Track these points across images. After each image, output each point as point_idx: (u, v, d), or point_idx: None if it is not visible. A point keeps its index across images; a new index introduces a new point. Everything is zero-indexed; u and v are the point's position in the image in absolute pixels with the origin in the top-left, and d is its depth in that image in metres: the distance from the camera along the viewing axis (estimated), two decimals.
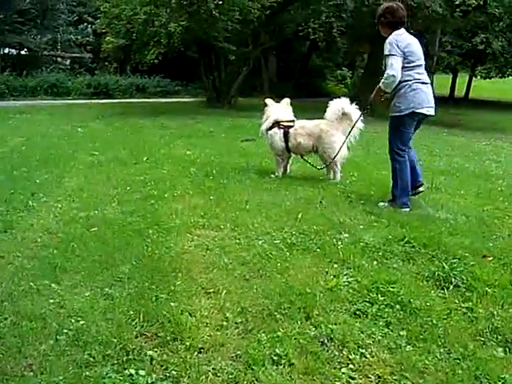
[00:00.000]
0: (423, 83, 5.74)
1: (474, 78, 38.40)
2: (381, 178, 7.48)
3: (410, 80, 5.64)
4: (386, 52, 5.57)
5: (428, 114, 5.81)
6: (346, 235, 4.77)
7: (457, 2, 20.77)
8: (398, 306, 3.41)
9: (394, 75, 5.51)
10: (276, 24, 21.92)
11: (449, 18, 22.20)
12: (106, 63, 35.99)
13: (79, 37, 33.93)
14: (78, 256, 4.12)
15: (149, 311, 3.21)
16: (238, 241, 4.58)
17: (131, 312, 3.20)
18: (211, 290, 3.57)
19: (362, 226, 5.10)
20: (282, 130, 7.31)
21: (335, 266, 4.08)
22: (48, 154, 8.85)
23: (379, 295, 3.55)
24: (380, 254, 4.37)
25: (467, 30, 22.51)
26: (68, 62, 34.87)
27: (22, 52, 31.54)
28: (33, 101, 23.49)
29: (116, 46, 26.49)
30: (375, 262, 4.17)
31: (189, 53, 23.55)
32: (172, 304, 3.32)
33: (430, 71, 32.27)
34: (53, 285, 3.58)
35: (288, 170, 7.62)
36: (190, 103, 23.44)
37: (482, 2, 20.91)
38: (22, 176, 7.06)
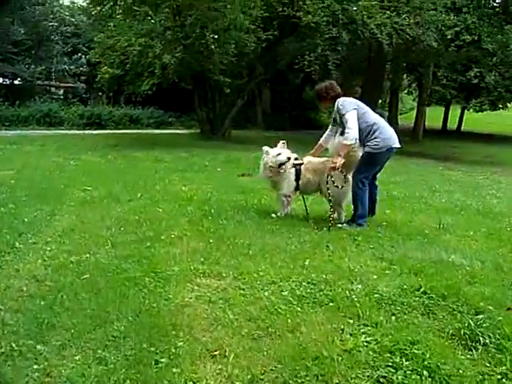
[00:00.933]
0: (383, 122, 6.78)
1: (465, 111, 38.59)
2: (387, 219, 7.19)
3: (375, 121, 6.63)
4: (342, 112, 6.47)
5: (399, 146, 6.72)
6: (359, 285, 4.42)
7: (449, 36, 20.86)
8: (425, 373, 3.05)
9: (354, 130, 6.34)
10: (271, 56, 21.83)
11: (442, 52, 22.28)
12: (100, 93, 35.90)
13: (73, 67, 33.92)
14: (68, 310, 3.74)
15: (148, 379, 2.84)
16: (242, 291, 4.22)
17: (128, 381, 2.82)
18: (217, 353, 3.19)
19: (373, 274, 4.75)
20: (293, 169, 7.02)
21: (350, 321, 3.73)
22: (38, 188, 8.49)
23: (403, 359, 3.19)
24: (397, 307, 4.02)
25: (461, 64, 22.57)
26: (61, 91, 34.79)
27: (16, 82, 31.34)
28: (25, 131, 23.17)
29: (110, 76, 26.34)
30: (393, 318, 3.82)
31: (182, 84, 23.41)
32: (174, 370, 2.95)
33: (424, 104, 32.45)
34: (38, 346, 3.20)
35: (289, 210, 7.29)
36: (184, 135, 23.22)
37: (476, 38, 21.00)
38: (10, 213, 6.68)
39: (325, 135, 7.17)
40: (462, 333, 3.60)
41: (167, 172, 11.20)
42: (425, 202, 9.51)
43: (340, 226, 6.63)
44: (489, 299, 4.23)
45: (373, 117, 6.67)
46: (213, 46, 15.79)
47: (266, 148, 7.19)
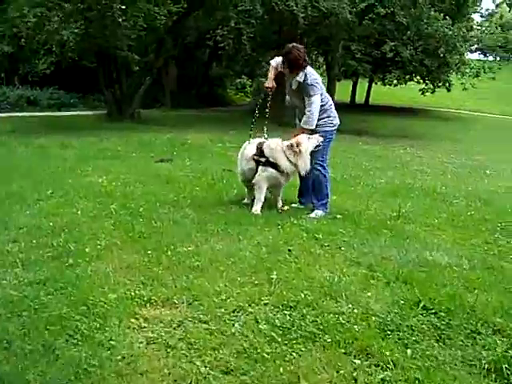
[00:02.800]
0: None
1: (373, 84, 38.82)
2: (338, 207, 6.44)
3: (328, 99, 6.25)
4: (311, 92, 5.92)
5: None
6: (348, 305, 3.56)
7: (360, 8, 20.48)
8: None
9: (316, 116, 6.03)
10: (180, 31, 20.52)
11: (356, 25, 21.85)
12: None
13: None
14: None
15: None
16: (205, 326, 3.22)
17: None
18: None
19: (357, 287, 3.91)
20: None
21: (358, 362, 2.86)
22: None
23: None
24: (406, 333, 3.20)
25: (376, 38, 22.28)
26: None
27: None
28: None
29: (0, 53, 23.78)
30: (408, 351, 2.98)
31: (84, 62, 21.61)
32: None
33: (335, 78, 32.17)
34: None
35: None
36: (90, 117, 21.39)
37: (389, 11, 20.71)
38: None
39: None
40: (497, 367, 2.84)
41: (78, 160, 9.84)
42: (365, 183, 8.90)
43: (293, 205, 6.44)
44: (499, 311, 3.54)
45: (326, 94, 6.25)
46: (120, 19, 14.21)
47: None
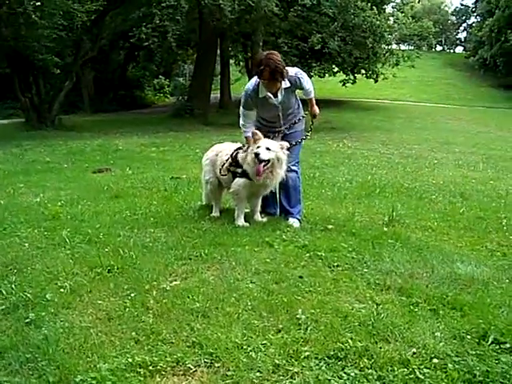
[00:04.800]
0: None
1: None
2: (319, 215, 5.77)
3: None
4: (307, 86, 5.42)
5: None
6: (405, 347, 2.84)
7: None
8: None
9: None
10: (99, 31, 19.21)
11: (279, 18, 21.26)
12: None
13: None
14: None
15: None
16: None
17: None
18: None
19: (400, 319, 3.19)
20: None
21: None
22: None
23: None
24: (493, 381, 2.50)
25: (302, 30, 21.76)
26: None
27: None
28: None
29: None
30: None
31: None
32: None
33: None
34: None
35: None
36: (6, 126, 19.54)
37: (316, 2, 20.25)
38: None
39: (248, 125, 5.50)
40: None
41: (5, 177, 8.62)
42: (328, 183, 8.27)
43: (260, 219, 5.60)
44: None
45: None
46: (35, 17, 12.79)
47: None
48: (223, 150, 5.62)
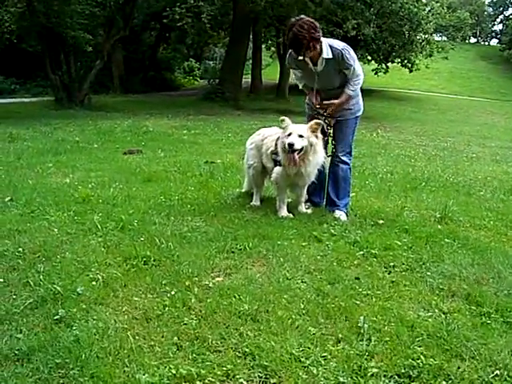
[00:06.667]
0: None
1: None
2: (362, 207, 5.38)
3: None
4: (350, 62, 4.81)
5: None
6: (484, 367, 2.48)
7: None
8: None
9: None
10: (132, 9, 18.84)
11: (310, 4, 20.68)
12: None
13: None
14: None
15: None
16: None
17: None
18: None
19: (473, 332, 2.82)
20: None
21: None
22: None
23: None
24: None
25: (337, 16, 21.13)
26: None
27: None
28: None
29: None
30: None
31: (24, 45, 19.69)
32: None
33: None
34: None
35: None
36: (36, 104, 19.37)
37: None
38: None
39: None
40: None
41: (34, 156, 8.33)
42: (369, 173, 7.88)
43: (304, 211, 5.22)
44: None
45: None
46: None
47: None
48: (271, 134, 5.22)
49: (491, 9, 74.20)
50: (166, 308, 3.00)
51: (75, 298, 3.09)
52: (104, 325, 2.79)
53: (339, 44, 4.82)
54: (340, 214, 5.07)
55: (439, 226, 4.89)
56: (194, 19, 17.37)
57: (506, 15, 70.19)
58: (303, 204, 5.26)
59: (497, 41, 71.99)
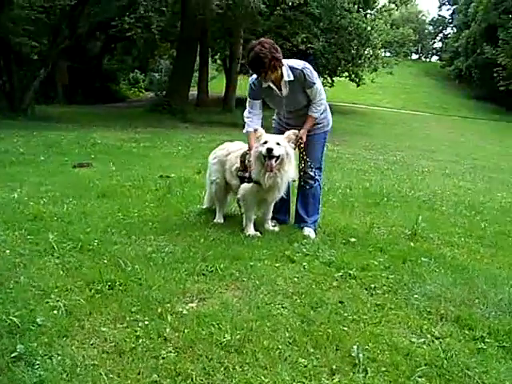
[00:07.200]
0: None
1: None
2: (342, 224, 5.22)
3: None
4: (313, 81, 4.69)
5: None
6: None
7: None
8: None
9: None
10: (78, 17, 18.27)
11: (259, 17, 20.73)
12: None
13: None
14: None
15: None
16: None
17: None
18: None
19: (471, 358, 2.69)
20: None
21: None
22: None
23: None
24: None
25: (286, 29, 21.20)
26: None
27: None
28: None
29: None
30: None
31: None
32: None
33: (236, 72, 30.80)
34: None
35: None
36: None
37: (302, 1, 19.74)
38: None
39: (253, 117, 4.90)
40: None
41: None
42: (328, 189, 7.73)
43: (270, 228, 5.00)
44: None
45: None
46: None
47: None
48: (234, 150, 5.00)
49: (431, 27, 76.91)
50: (140, 340, 2.72)
51: (35, 330, 2.76)
52: (71, 361, 2.49)
53: (299, 64, 4.71)
54: (309, 232, 4.90)
55: (412, 244, 4.79)
56: (144, 29, 16.98)
57: (445, 33, 72.83)
58: (270, 221, 5.05)
59: (437, 57, 74.57)
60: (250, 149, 4.76)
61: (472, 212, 6.80)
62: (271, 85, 4.69)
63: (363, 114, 34.08)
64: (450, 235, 5.31)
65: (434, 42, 79.30)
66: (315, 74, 4.76)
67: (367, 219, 5.72)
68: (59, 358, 2.51)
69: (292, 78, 4.62)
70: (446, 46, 62.08)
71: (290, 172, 4.65)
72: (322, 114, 4.98)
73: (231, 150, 5.05)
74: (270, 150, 4.41)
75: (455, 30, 61.35)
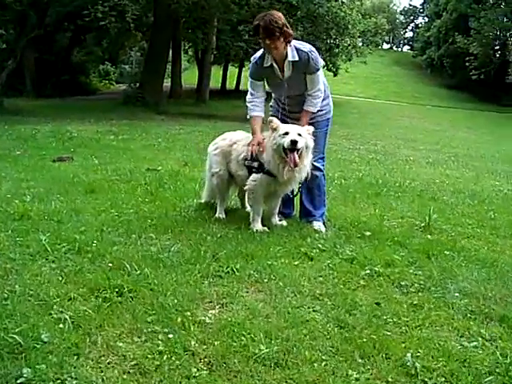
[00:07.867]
0: None
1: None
2: (350, 217, 4.94)
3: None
4: (317, 67, 4.43)
5: None
6: None
7: None
8: None
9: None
10: (48, 5, 17.59)
11: (233, 6, 20.29)
12: None
13: None
14: None
15: None
16: None
17: None
18: None
19: None
20: None
21: None
22: None
23: None
24: None
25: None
26: None
27: None
28: None
29: None
30: None
31: None
32: None
33: (209, 63, 30.21)
34: None
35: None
36: None
37: None
38: None
39: (256, 100, 4.59)
40: None
41: None
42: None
43: (279, 223, 4.70)
44: None
45: None
46: None
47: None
48: (240, 139, 4.66)
49: (403, 17, 77.24)
50: (164, 356, 2.38)
51: (41, 348, 2.39)
52: (87, 380, 2.13)
53: (305, 46, 4.47)
54: (319, 226, 4.62)
55: (429, 236, 4.53)
56: (118, 18, 16.42)
57: (417, 23, 73.27)
58: (276, 215, 4.73)
59: (408, 47, 75.01)
60: (253, 133, 4.45)
61: (475, 201, 6.60)
62: (274, 64, 4.45)
63: (338, 105, 33.44)
64: (463, 226, 5.08)
65: (406, 32, 79.76)
66: (321, 61, 4.57)
67: (375, 211, 5.46)
68: (74, 382, 2.15)
69: (297, 59, 4.36)
70: (418, 36, 62.41)
71: (308, 166, 4.34)
72: (325, 100, 4.73)
73: (235, 140, 4.71)
74: (294, 143, 4.10)
75: (426, 20, 61.73)
